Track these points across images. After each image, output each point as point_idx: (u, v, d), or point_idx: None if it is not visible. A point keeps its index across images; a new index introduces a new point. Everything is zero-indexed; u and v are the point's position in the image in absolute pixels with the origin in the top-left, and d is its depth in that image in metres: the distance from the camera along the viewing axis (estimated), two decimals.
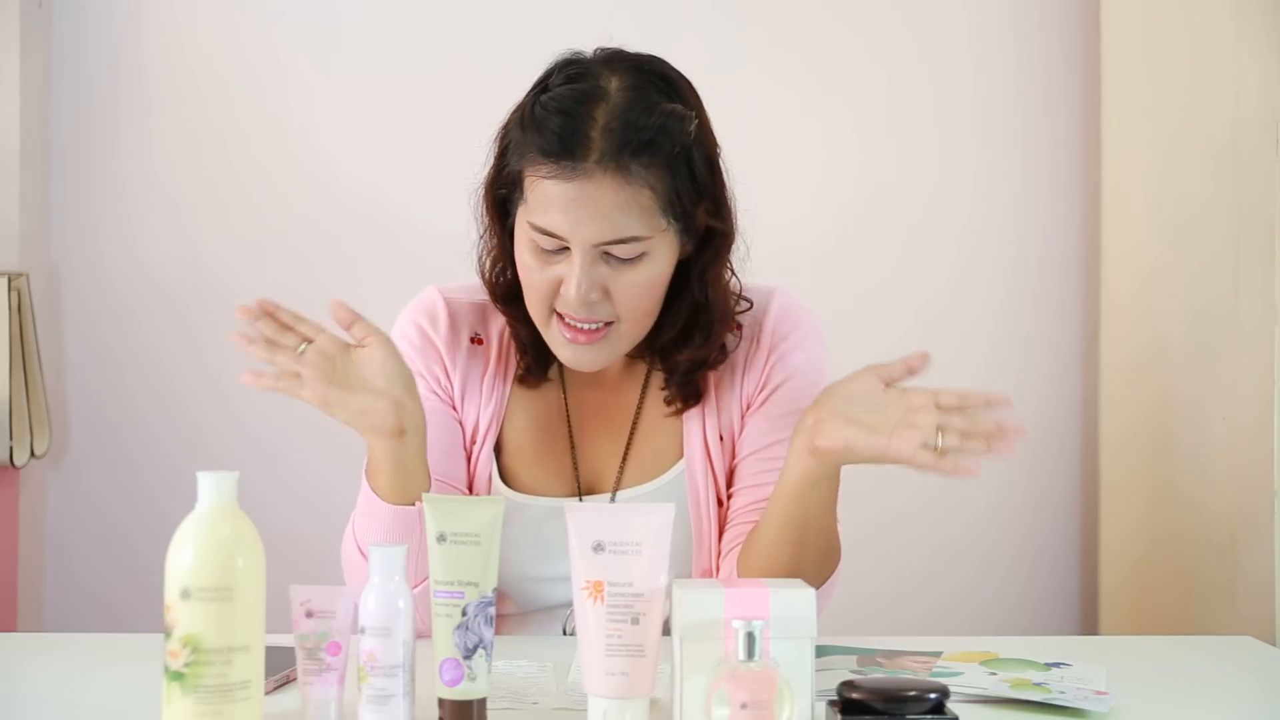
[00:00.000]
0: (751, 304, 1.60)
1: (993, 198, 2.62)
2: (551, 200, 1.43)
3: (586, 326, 1.48)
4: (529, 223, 1.46)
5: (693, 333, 1.55)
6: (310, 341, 1.40)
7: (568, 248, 1.45)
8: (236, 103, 2.59)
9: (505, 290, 1.57)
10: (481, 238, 1.57)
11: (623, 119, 1.42)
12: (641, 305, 1.49)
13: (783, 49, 2.61)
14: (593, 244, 1.43)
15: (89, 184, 2.59)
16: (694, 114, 1.48)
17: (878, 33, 2.62)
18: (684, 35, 2.56)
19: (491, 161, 1.52)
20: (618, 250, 1.44)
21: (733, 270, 1.57)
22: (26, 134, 2.50)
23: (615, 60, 1.49)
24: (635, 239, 1.44)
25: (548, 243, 1.45)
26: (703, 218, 1.48)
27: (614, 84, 1.45)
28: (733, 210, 1.54)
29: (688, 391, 1.59)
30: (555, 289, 1.47)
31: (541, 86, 1.49)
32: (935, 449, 1.34)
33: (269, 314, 1.42)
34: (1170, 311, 2.28)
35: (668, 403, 1.60)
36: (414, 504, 1.44)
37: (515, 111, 1.51)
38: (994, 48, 2.62)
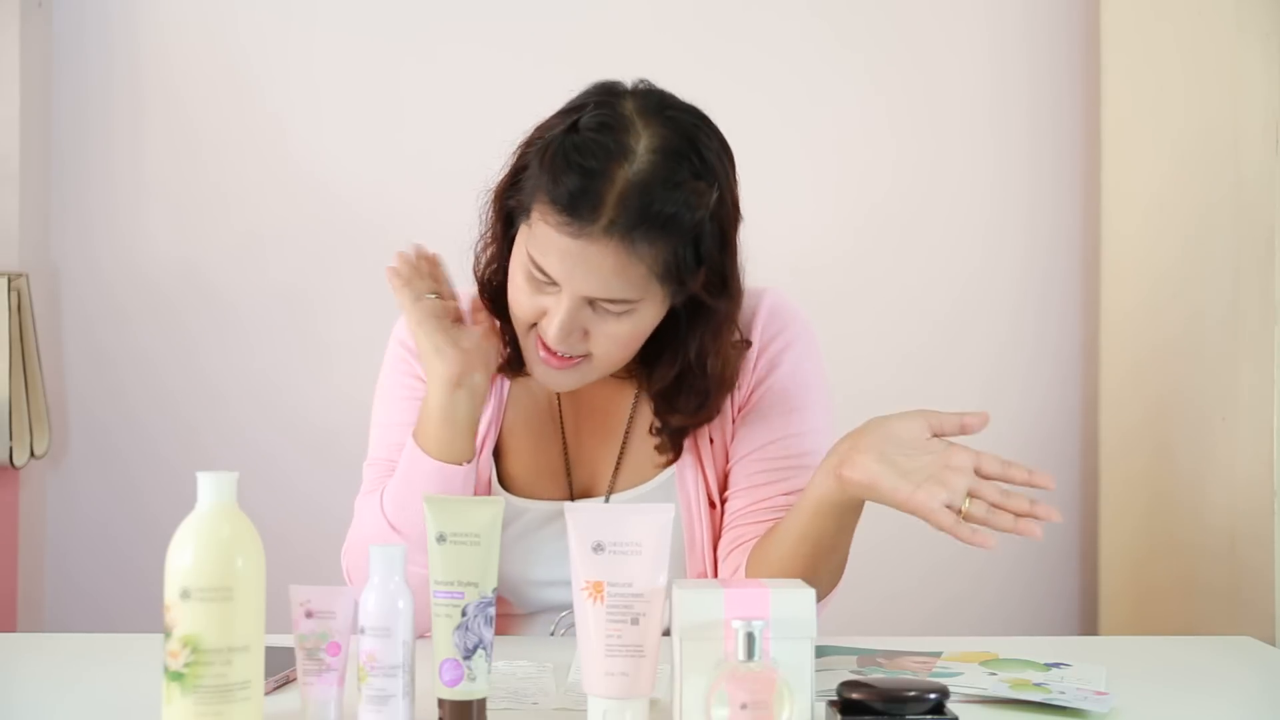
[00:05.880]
0: (749, 300, 1.59)
1: (992, 200, 2.62)
2: (552, 246, 1.41)
3: (561, 354, 1.47)
4: (528, 251, 1.45)
5: (685, 390, 1.53)
6: (437, 296, 1.53)
7: (558, 285, 1.44)
8: (235, 105, 2.60)
9: (495, 291, 1.56)
10: (482, 236, 1.57)
11: (641, 192, 1.38)
12: (618, 351, 1.48)
13: (781, 57, 2.61)
14: (583, 295, 1.43)
15: (88, 185, 2.59)
16: (718, 185, 1.44)
17: (876, 40, 2.61)
18: (679, 45, 2.57)
19: (507, 172, 1.50)
20: (605, 304, 1.43)
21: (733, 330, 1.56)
22: (26, 134, 2.50)
23: (650, 112, 1.43)
24: (625, 300, 1.43)
25: (540, 276, 1.44)
26: (698, 290, 1.46)
27: (642, 145, 1.40)
28: (738, 285, 1.51)
29: (677, 444, 1.57)
30: (539, 315, 1.47)
31: (572, 123, 1.43)
32: (959, 512, 1.33)
33: (428, 260, 1.56)
34: (1170, 313, 2.27)
35: (658, 450, 1.58)
36: (459, 464, 1.49)
37: (539, 134, 1.47)
38: (993, 49, 2.62)
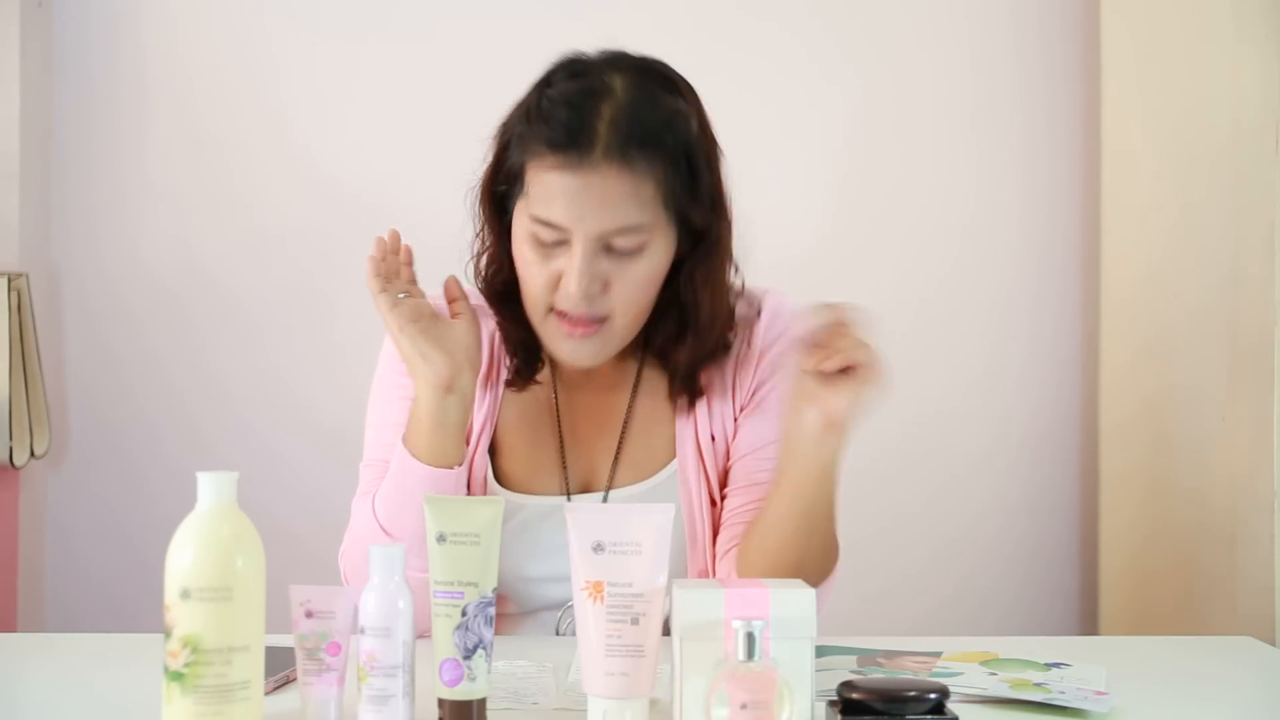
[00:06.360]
0: (751, 301, 1.61)
1: (993, 196, 2.63)
2: (555, 192, 1.44)
3: (584, 316, 1.48)
4: (531, 215, 1.47)
5: (686, 333, 1.56)
6: (410, 296, 1.51)
7: (568, 241, 1.45)
8: (236, 104, 2.59)
9: (500, 289, 1.57)
10: (477, 235, 1.57)
11: (628, 114, 1.45)
12: (638, 300, 1.50)
13: (777, 51, 2.61)
14: (595, 235, 1.44)
15: (89, 184, 2.59)
16: (694, 115, 1.51)
17: (875, 34, 2.62)
18: (677, 47, 2.56)
19: (491, 157, 1.53)
20: (619, 242, 1.45)
21: (736, 267, 1.58)
22: (26, 134, 2.49)
23: (618, 61, 1.51)
24: (637, 228, 1.45)
25: (549, 235, 1.46)
26: (698, 216, 1.50)
27: (618, 82, 1.48)
28: (729, 213, 1.55)
29: (691, 388, 1.59)
30: (554, 284, 1.48)
31: (545, 83, 1.51)
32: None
33: (404, 258, 1.54)
34: (1169, 311, 2.28)
35: (672, 399, 1.60)
36: (451, 468, 1.49)
37: (518, 107, 1.52)
38: (994, 47, 2.62)
